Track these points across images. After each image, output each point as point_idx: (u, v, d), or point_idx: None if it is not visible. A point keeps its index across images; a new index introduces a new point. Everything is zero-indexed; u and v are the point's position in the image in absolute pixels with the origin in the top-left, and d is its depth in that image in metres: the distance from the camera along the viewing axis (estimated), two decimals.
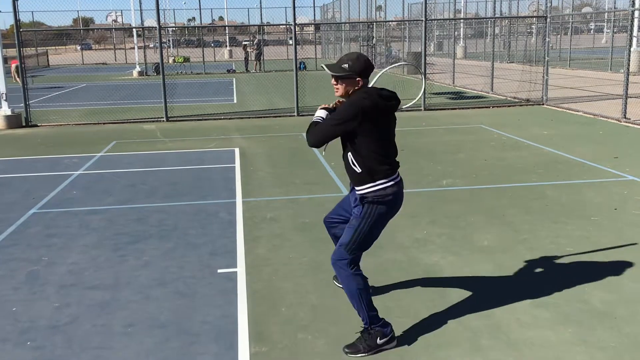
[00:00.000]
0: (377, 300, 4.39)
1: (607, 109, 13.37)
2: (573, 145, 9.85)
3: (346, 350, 3.77)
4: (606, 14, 37.01)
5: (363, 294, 3.75)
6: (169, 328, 4.07)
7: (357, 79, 3.70)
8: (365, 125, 3.61)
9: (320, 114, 3.83)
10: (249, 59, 32.09)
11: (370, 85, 3.84)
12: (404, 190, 3.84)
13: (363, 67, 3.70)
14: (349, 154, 3.72)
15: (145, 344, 3.87)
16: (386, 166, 3.71)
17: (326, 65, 3.77)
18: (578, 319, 4.07)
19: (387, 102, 3.72)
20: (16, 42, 13.44)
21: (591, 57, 31.20)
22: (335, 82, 3.74)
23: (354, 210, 3.88)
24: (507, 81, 18.86)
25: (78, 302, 4.49)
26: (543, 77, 15.27)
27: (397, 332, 3.94)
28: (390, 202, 3.74)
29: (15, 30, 13.42)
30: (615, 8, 26.64)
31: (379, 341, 3.78)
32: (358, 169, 3.71)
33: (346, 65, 3.68)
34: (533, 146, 9.95)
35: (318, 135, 3.70)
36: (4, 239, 5.97)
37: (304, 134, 3.89)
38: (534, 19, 25.26)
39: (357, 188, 3.76)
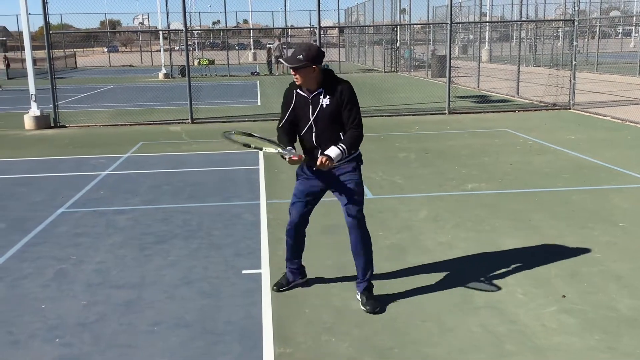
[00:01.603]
0: (399, 305, 4.39)
1: (635, 114, 13.17)
2: (600, 150, 9.73)
3: (376, 310, 4.28)
4: (634, 18, 36.49)
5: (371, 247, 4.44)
6: (194, 327, 4.11)
7: (313, 66, 4.13)
8: None
9: (336, 151, 4.17)
10: (272, 61, 32.24)
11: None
12: None
13: (315, 55, 4.13)
14: (341, 133, 4.24)
15: (170, 343, 3.91)
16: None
17: (284, 60, 4.24)
18: (605, 326, 4.02)
19: None
20: (45, 43, 13.67)
21: (619, 62, 30.78)
22: (294, 73, 4.18)
23: (341, 178, 4.31)
24: (533, 85, 18.69)
25: (105, 301, 4.56)
26: (570, 81, 15.10)
27: (421, 336, 3.94)
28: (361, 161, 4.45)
29: (44, 32, 13.65)
30: None
31: (373, 291, 4.46)
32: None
33: (301, 57, 4.10)
34: (559, 151, 9.85)
35: (362, 127, 4.29)
36: (33, 237, 6.08)
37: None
38: (561, 22, 25.00)
39: (343, 160, 4.25)
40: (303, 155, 4.29)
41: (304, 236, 4.62)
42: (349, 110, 4.20)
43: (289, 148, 4.25)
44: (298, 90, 4.29)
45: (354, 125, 4.22)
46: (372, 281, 4.48)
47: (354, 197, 4.32)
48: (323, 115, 4.22)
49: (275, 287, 4.69)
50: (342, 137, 4.24)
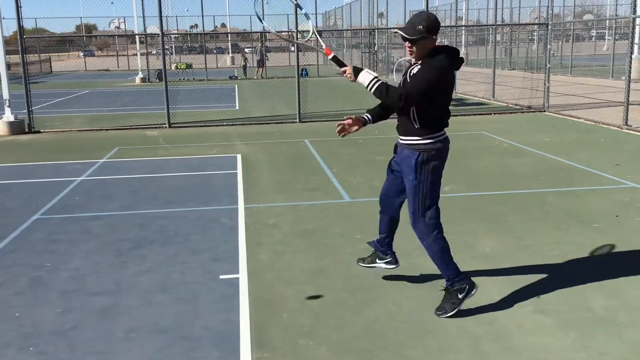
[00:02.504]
0: (378, 308, 4.41)
1: (608, 116, 13.38)
2: (574, 152, 9.86)
3: (437, 312, 4.19)
4: (607, 22, 37.10)
5: (445, 255, 4.14)
6: (171, 333, 4.08)
7: (433, 37, 3.85)
8: (441, 84, 3.89)
9: (365, 75, 3.95)
10: (247, 65, 32.26)
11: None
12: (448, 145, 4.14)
13: (435, 25, 3.83)
14: (412, 108, 3.91)
15: (146, 349, 3.88)
16: (439, 123, 4.02)
17: (401, 30, 3.86)
18: (580, 325, 4.07)
19: (458, 62, 3.95)
20: (19, 48, 13.50)
21: (592, 65, 31.25)
22: (410, 46, 3.85)
23: (403, 169, 4.11)
24: (508, 88, 18.89)
25: (80, 308, 4.50)
26: (544, 84, 15.30)
27: (400, 338, 3.95)
28: (437, 155, 4.03)
29: (18, 37, 13.48)
30: (616, 15, 26.66)
31: (460, 296, 4.16)
32: (416, 125, 3.97)
33: (421, 27, 3.79)
34: (535, 153, 9.96)
35: (406, 97, 3.85)
36: (7, 244, 5.98)
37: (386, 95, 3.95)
38: (535, 26, 25.32)
39: (407, 139, 4.02)
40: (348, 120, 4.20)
41: (390, 215, 4.51)
42: (412, 77, 3.91)
43: (366, 115, 4.25)
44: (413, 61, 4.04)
45: (405, 89, 3.88)
46: (456, 290, 4.20)
47: (408, 198, 4.15)
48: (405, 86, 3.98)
49: (359, 261, 4.84)
50: (416, 115, 3.94)
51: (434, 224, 4.15)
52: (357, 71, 4.00)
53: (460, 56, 4.02)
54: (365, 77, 3.95)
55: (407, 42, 3.85)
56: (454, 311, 4.16)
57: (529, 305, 4.38)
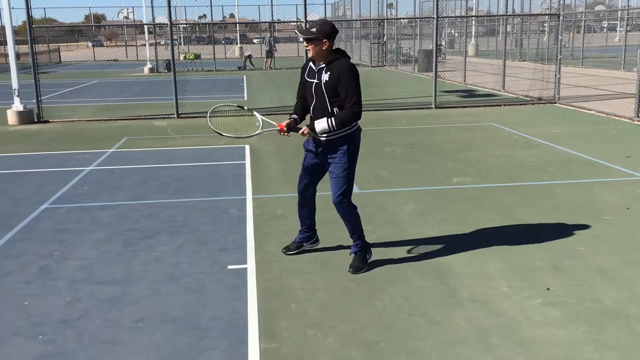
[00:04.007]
0: (386, 298, 4.40)
1: (619, 108, 13.27)
2: (585, 144, 9.79)
3: (351, 271, 4.81)
4: (619, 12, 36.74)
5: (361, 224, 4.88)
6: (179, 323, 4.08)
7: (324, 40, 4.45)
8: None
9: (323, 124, 4.54)
10: (250, 57, 32.22)
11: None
12: None
13: (327, 30, 4.46)
14: (335, 108, 4.52)
15: (155, 339, 3.89)
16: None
17: (298, 30, 4.67)
18: (589, 318, 4.04)
19: None
20: (28, 38, 13.52)
21: (604, 56, 30.99)
22: (307, 45, 4.50)
23: (330, 159, 4.68)
24: (519, 79, 18.76)
25: (89, 297, 4.52)
26: (555, 75, 15.18)
27: (407, 330, 3.94)
28: (358, 139, 4.72)
29: (27, 27, 13.50)
30: (628, 6, 26.38)
31: (367, 257, 4.94)
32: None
33: (314, 29, 4.45)
34: (545, 145, 9.90)
35: (360, 108, 4.52)
36: (16, 233, 6.01)
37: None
38: (547, 17, 25.11)
39: (332, 136, 4.58)
40: (284, 125, 4.64)
41: (310, 205, 5.03)
42: (345, 90, 4.46)
43: (294, 116, 4.73)
44: (311, 63, 4.65)
45: (349, 104, 4.47)
46: (367, 255, 4.95)
47: (336, 181, 4.66)
48: (320, 89, 4.55)
49: (284, 250, 5.23)
50: (338, 110, 4.52)
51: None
52: (312, 127, 4.58)
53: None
54: (321, 125, 4.53)
55: (304, 41, 4.51)
56: (366, 267, 4.85)
57: (538, 297, 4.35)
